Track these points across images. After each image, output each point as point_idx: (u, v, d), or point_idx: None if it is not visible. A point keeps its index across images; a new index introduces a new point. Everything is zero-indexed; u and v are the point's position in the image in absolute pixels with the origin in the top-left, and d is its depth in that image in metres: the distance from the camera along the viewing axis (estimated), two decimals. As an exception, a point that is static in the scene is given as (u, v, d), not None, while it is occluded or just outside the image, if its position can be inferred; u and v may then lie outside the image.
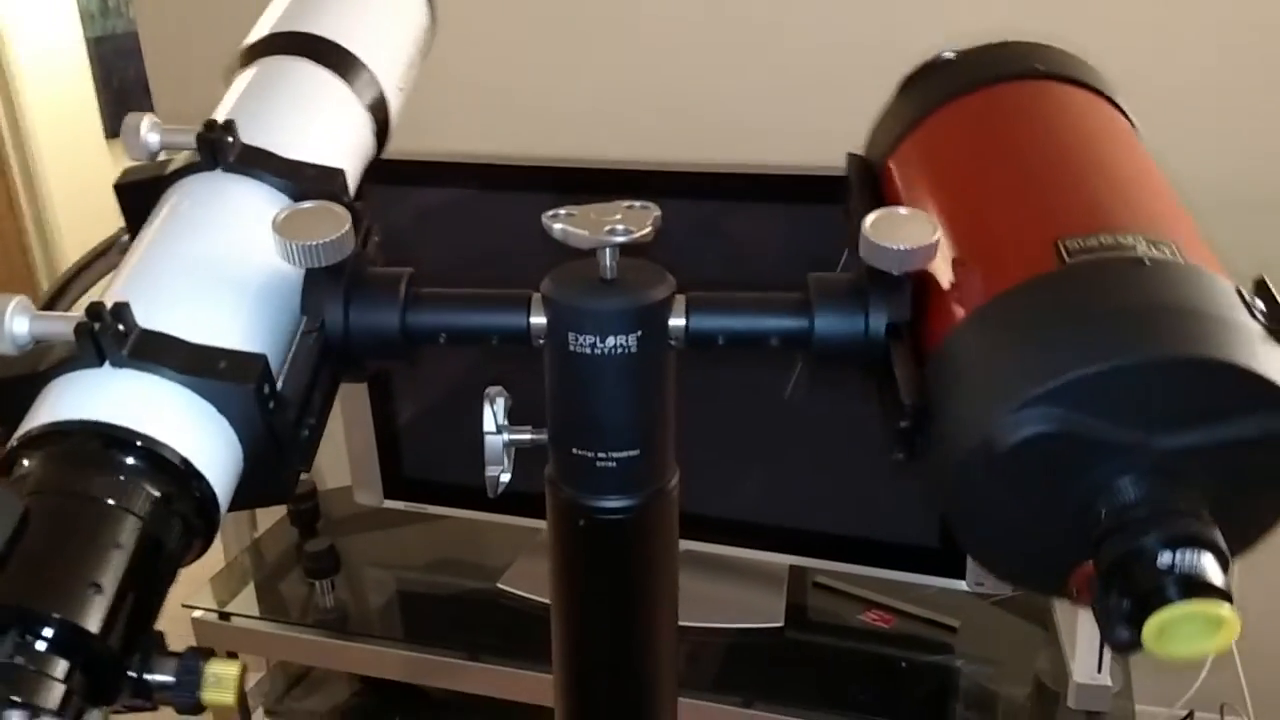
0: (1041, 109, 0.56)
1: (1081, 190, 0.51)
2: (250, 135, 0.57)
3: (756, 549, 1.56)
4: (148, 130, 0.58)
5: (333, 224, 0.50)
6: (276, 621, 1.64)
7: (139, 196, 0.57)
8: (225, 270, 0.52)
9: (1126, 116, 0.58)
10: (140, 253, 0.53)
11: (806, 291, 0.52)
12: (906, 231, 0.48)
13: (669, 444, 0.57)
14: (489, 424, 0.55)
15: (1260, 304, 0.44)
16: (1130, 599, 0.40)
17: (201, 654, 0.42)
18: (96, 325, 0.45)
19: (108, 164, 3.53)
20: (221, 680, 0.42)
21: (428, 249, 1.54)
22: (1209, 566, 0.40)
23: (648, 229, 0.51)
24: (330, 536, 1.71)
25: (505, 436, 0.56)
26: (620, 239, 0.50)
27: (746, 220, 1.46)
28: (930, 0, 1.68)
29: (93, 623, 0.39)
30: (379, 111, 0.66)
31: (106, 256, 0.59)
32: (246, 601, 1.68)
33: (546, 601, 0.60)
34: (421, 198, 1.54)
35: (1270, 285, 0.45)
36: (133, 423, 0.44)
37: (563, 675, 0.61)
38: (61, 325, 0.46)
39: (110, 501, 0.42)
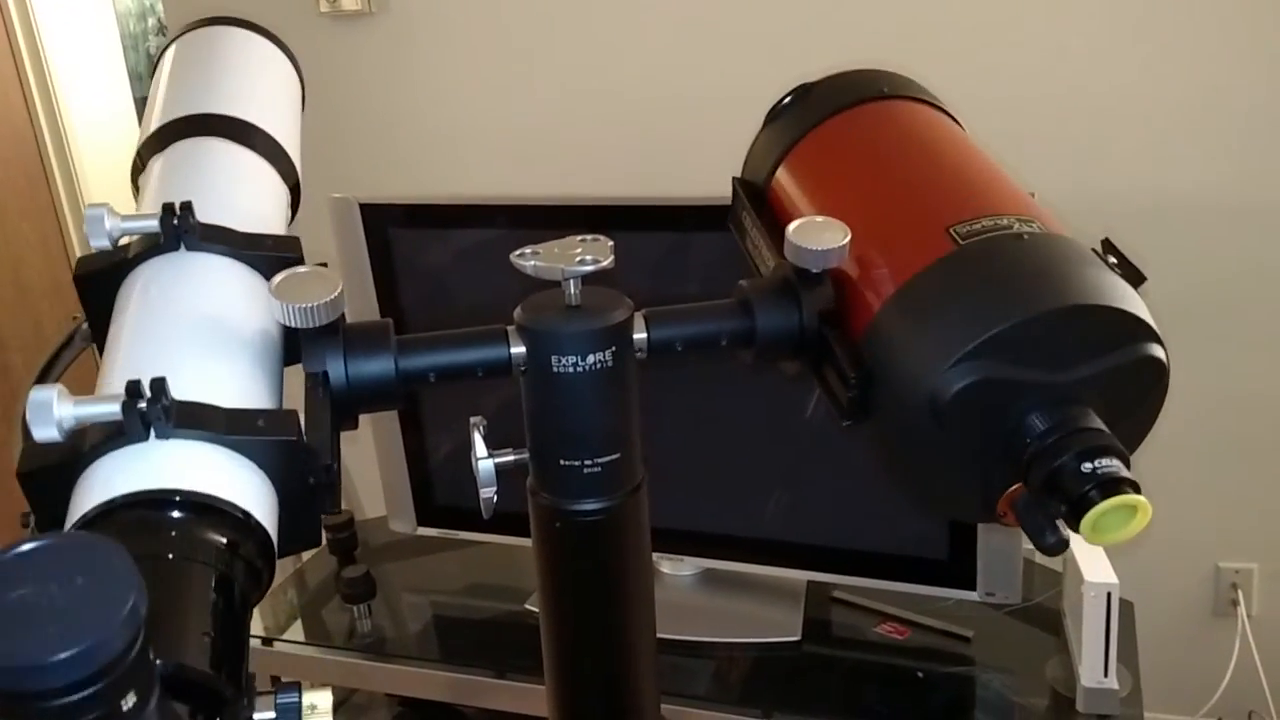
0: (899, 123, 0.67)
1: (953, 185, 0.62)
2: (201, 214, 0.60)
3: (775, 566, 1.61)
4: (109, 218, 0.60)
5: (326, 286, 0.54)
6: (318, 646, 1.71)
7: (99, 285, 0.59)
8: (224, 336, 0.55)
9: (958, 123, 0.69)
10: (134, 331, 0.55)
11: (743, 295, 0.60)
12: (823, 235, 0.57)
13: (639, 446, 0.62)
14: (479, 450, 0.60)
15: (1112, 259, 0.56)
16: (1065, 505, 0.49)
17: (293, 688, 0.44)
18: (142, 403, 0.47)
19: (157, 216, 3.67)
20: (318, 708, 0.44)
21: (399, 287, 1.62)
22: (1119, 468, 0.50)
23: (610, 258, 0.58)
24: (367, 563, 1.79)
25: (494, 461, 0.61)
26: (588, 269, 0.57)
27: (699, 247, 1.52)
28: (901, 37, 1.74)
29: (201, 665, 0.41)
30: (289, 175, 0.71)
31: (70, 347, 0.64)
32: (292, 628, 1.75)
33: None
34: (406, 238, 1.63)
35: (1114, 244, 0.57)
36: (192, 484, 0.46)
37: (551, 674, 0.66)
38: (105, 406, 0.47)
39: (191, 558, 0.44)
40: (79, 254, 3.37)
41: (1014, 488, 0.54)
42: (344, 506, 1.95)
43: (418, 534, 1.74)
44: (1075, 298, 0.52)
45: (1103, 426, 0.52)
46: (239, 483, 0.49)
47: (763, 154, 0.69)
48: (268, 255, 0.60)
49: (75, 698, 0.31)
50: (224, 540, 0.46)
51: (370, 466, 1.74)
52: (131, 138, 3.44)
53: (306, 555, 2.00)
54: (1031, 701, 1.52)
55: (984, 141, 0.65)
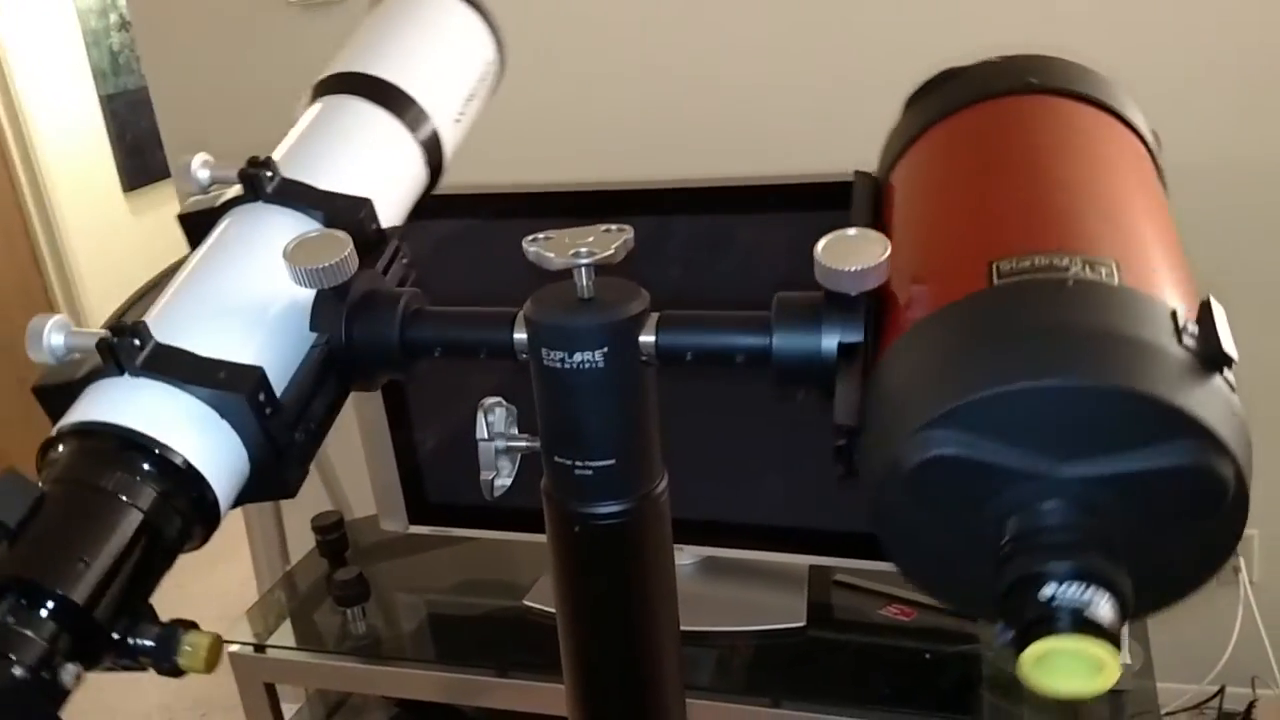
0: (1018, 125, 0.55)
1: (1030, 209, 0.50)
2: (293, 169, 0.63)
3: (776, 551, 1.59)
4: (198, 167, 0.66)
5: (335, 249, 0.55)
6: (312, 651, 1.67)
7: (200, 225, 0.63)
8: (246, 293, 0.58)
9: (1134, 128, 0.56)
10: (179, 277, 0.59)
11: (769, 312, 0.53)
12: (858, 252, 0.48)
13: (650, 453, 0.59)
14: (481, 431, 0.60)
15: (1192, 329, 0.42)
16: (1016, 626, 0.39)
17: (183, 625, 0.48)
18: (115, 340, 0.51)
19: (125, 215, 3.61)
20: (195, 648, 0.47)
21: (447, 278, 1.58)
22: (1098, 604, 0.38)
23: (612, 251, 0.54)
24: (359, 564, 1.75)
25: (499, 443, 0.60)
26: (585, 261, 0.54)
27: (755, 231, 1.48)
28: (939, 14, 1.71)
29: (78, 593, 0.45)
30: (431, 144, 0.71)
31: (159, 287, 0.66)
32: (283, 633, 1.71)
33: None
34: (438, 229, 1.59)
35: (1213, 309, 0.42)
36: (142, 426, 0.50)
37: (572, 679, 0.63)
38: (85, 340, 0.53)
39: (116, 493, 0.48)
40: (45, 251, 3.31)
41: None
42: (332, 507, 1.91)
43: (410, 532, 1.70)
44: (1088, 372, 0.40)
45: (1109, 549, 0.40)
46: (193, 431, 0.52)
47: (890, 145, 0.60)
48: (335, 213, 0.61)
49: None
50: (156, 486, 0.49)
51: (358, 465, 1.70)
52: (97, 134, 3.37)
53: (295, 558, 1.96)
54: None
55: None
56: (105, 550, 0.47)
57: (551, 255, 0.54)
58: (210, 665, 0.48)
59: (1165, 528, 0.42)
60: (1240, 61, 1.64)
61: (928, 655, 1.53)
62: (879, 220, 0.56)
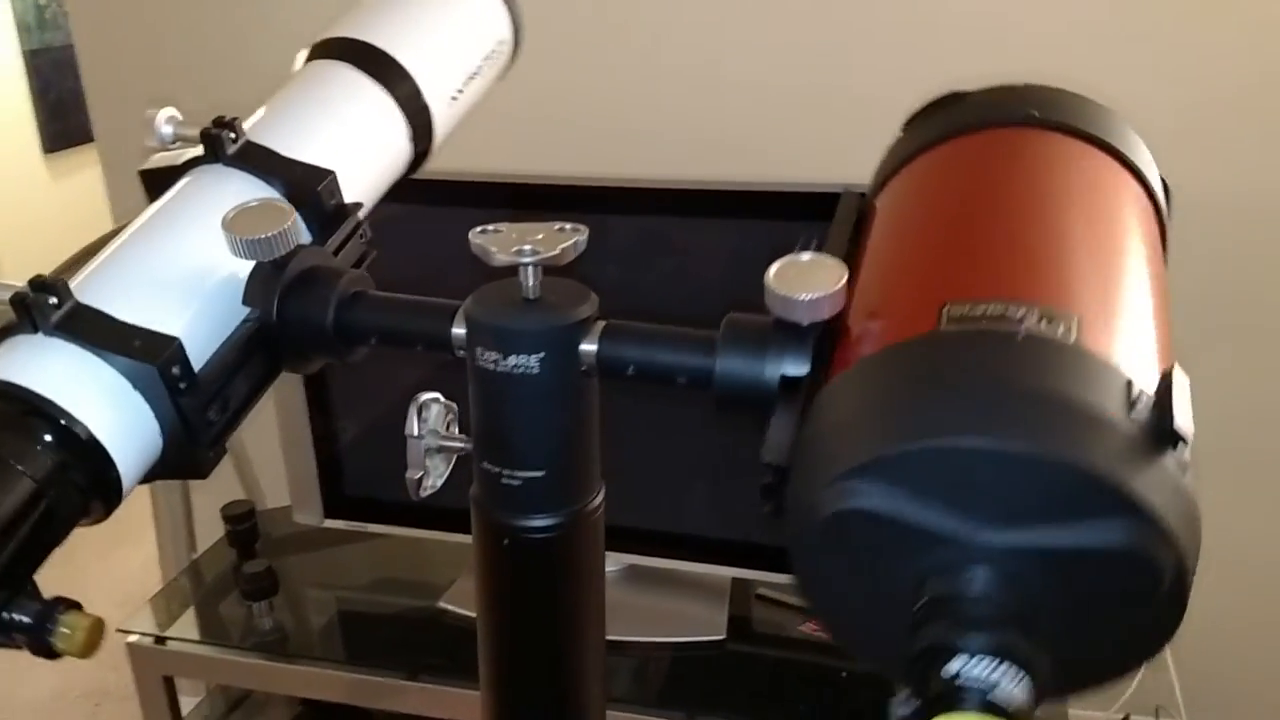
0: (1007, 160, 0.53)
1: (996, 250, 0.47)
2: (263, 133, 0.61)
3: (700, 562, 1.57)
4: (163, 123, 0.64)
5: (275, 220, 0.53)
6: (215, 645, 1.62)
7: (161, 182, 0.60)
8: (183, 260, 0.55)
9: (1139, 174, 0.54)
10: (118, 239, 0.56)
11: (716, 334, 0.50)
12: (811, 279, 0.45)
13: (585, 467, 0.57)
14: (411, 427, 0.57)
15: (1146, 400, 0.39)
16: (920, 696, 0.37)
17: (64, 604, 0.46)
18: (31, 296, 0.49)
19: (44, 176, 3.49)
20: (73, 630, 0.45)
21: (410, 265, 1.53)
22: (1007, 686, 0.36)
23: (558, 251, 0.51)
24: (269, 557, 1.69)
25: (430, 441, 0.58)
26: (528, 260, 0.51)
27: (735, 237, 1.46)
28: (955, 27, 1.70)
29: None
30: (420, 121, 0.69)
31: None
32: (184, 624, 1.65)
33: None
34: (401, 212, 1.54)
35: (1174, 381, 0.38)
36: (47, 390, 0.48)
37: (490, 690, 0.61)
38: (3, 294, 0.50)
39: (7, 459, 0.45)
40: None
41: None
42: (244, 496, 1.85)
43: (325, 526, 1.64)
44: (1020, 437, 0.37)
45: (1013, 624, 0.37)
46: (102, 401, 0.49)
47: (884, 166, 0.58)
48: (292, 182, 0.60)
49: None
50: (55, 456, 0.47)
51: (274, 452, 1.64)
52: (19, 93, 3.25)
53: (202, 547, 1.90)
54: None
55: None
56: (8, 526, 0.45)
57: (495, 250, 0.51)
58: (88, 650, 0.45)
59: (1094, 611, 0.39)
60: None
61: (844, 673, 1.53)
62: (857, 243, 0.53)
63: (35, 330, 0.49)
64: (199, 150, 0.61)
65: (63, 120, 3.43)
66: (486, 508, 0.55)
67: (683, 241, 1.48)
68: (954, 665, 0.36)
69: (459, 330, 0.53)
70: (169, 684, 1.64)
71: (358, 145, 0.66)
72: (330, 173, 0.61)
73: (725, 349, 0.49)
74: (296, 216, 0.53)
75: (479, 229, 0.53)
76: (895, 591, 0.40)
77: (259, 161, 0.60)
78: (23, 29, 3.36)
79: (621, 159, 1.73)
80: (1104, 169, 0.53)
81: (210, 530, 1.88)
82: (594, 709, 0.62)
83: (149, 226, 0.57)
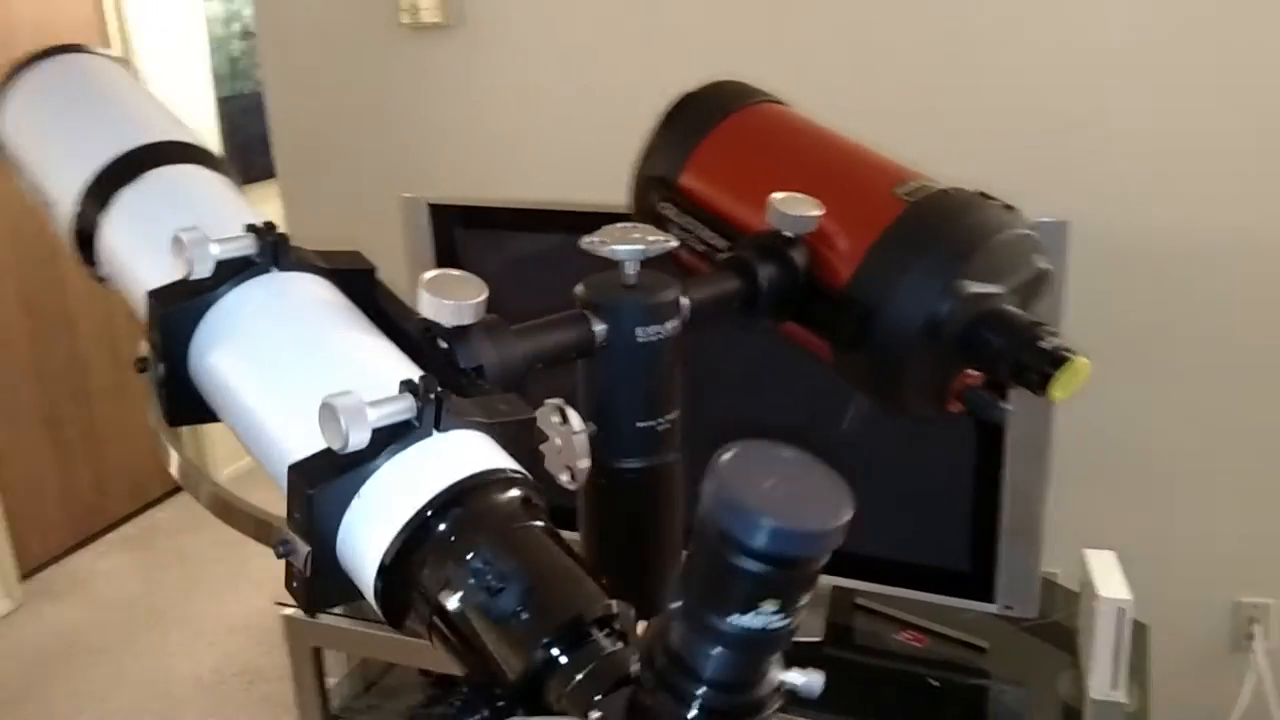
0: (791, 119, 0.79)
1: (869, 160, 0.74)
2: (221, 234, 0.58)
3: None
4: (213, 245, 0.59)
5: (477, 287, 0.56)
6: (361, 619, 1.79)
7: (182, 316, 0.57)
8: (382, 340, 0.57)
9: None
10: (317, 349, 0.55)
11: (738, 260, 0.68)
12: (802, 205, 0.68)
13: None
14: (576, 424, 0.61)
15: (996, 199, 0.70)
16: (1038, 373, 0.63)
17: None
18: (433, 398, 0.48)
19: (228, 212, 3.81)
20: None
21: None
22: (1065, 341, 0.64)
23: (675, 242, 0.64)
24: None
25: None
26: (660, 249, 0.63)
27: None
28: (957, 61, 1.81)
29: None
30: (223, 167, 0.71)
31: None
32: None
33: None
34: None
35: (989, 194, 0.70)
36: (499, 463, 0.49)
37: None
38: (395, 406, 0.47)
39: (536, 519, 0.47)
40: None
41: (959, 379, 0.68)
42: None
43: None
44: (1017, 226, 0.68)
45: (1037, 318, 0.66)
46: (499, 454, 0.50)
47: (668, 153, 0.77)
48: (344, 269, 0.60)
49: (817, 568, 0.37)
50: (528, 496, 0.49)
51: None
52: (209, 135, 3.56)
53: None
54: (1042, 714, 1.57)
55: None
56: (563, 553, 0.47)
57: (631, 248, 0.62)
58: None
59: (1033, 298, 0.70)
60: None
61: (935, 682, 1.61)
62: (686, 203, 0.75)
63: (430, 433, 0.48)
64: (198, 274, 0.56)
65: (246, 159, 3.77)
66: (627, 465, 0.64)
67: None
68: (1045, 343, 0.63)
69: (599, 327, 0.61)
70: (317, 655, 1.82)
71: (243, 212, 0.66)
72: (357, 252, 0.62)
73: (761, 264, 0.68)
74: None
75: (586, 239, 0.63)
76: (958, 349, 0.66)
77: (308, 258, 0.59)
78: (218, 78, 3.72)
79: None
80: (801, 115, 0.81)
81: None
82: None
83: (355, 327, 0.56)
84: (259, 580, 3.01)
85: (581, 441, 0.60)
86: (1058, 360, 0.63)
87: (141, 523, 3.52)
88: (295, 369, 0.54)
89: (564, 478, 0.61)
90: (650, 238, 0.64)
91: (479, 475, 0.47)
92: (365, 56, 2.22)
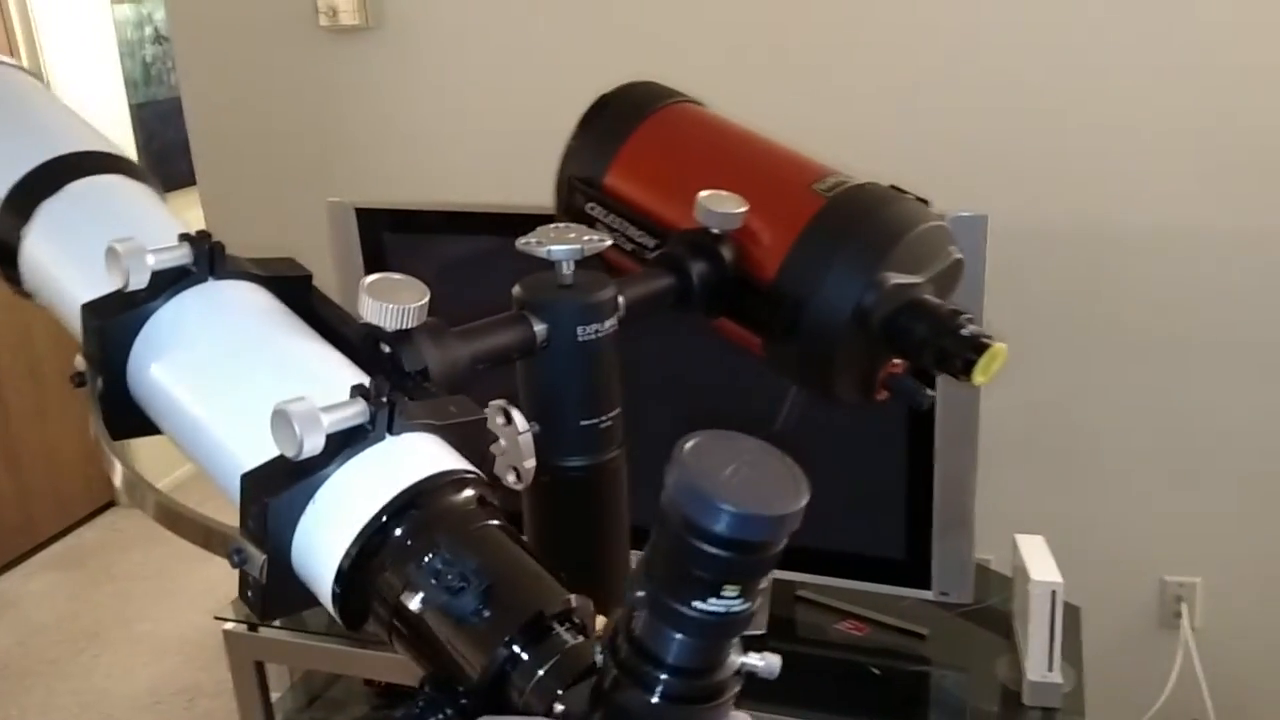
0: (707, 118, 0.81)
1: (786, 157, 0.76)
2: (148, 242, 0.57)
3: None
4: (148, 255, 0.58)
5: (420, 291, 0.56)
6: (302, 632, 1.77)
7: (120, 328, 0.57)
8: (321, 346, 0.57)
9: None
10: (257, 357, 0.55)
11: (668, 258, 0.70)
12: (727, 202, 0.70)
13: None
14: (521, 424, 0.61)
15: (909, 194, 0.73)
16: (960, 360, 0.65)
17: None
18: (381, 407, 0.48)
19: (147, 221, 3.73)
20: None
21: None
22: (983, 329, 0.66)
23: (608, 241, 0.65)
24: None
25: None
26: (594, 248, 0.64)
27: None
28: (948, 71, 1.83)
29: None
30: (132, 170, 0.69)
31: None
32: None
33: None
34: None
35: (902, 187, 0.73)
36: (450, 464, 0.49)
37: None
38: (347, 412, 0.47)
39: (497, 518, 0.48)
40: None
41: (885, 368, 0.71)
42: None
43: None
44: (931, 219, 0.71)
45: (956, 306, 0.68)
46: (445, 455, 0.50)
47: (591, 154, 0.79)
48: (279, 276, 0.60)
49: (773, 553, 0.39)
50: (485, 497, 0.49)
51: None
52: (125, 142, 3.47)
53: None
54: (982, 697, 1.60)
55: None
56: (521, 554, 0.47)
57: (566, 247, 0.63)
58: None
59: (947, 288, 0.72)
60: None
61: (876, 670, 1.63)
62: (607, 201, 0.77)
63: (383, 436, 0.48)
64: (136, 285, 0.55)
65: (165, 166, 3.69)
66: (573, 464, 0.65)
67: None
68: (966, 330, 0.65)
69: (540, 327, 0.62)
70: (260, 670, 1.80)
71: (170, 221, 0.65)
72: (291, 259, 0.61)
73: (692, 260, 0.70)
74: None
75: (523, 240, 0.64)
76: (881, 337, 0.67)
77: (243, 265, 0.59)
78: (130, 84, 3.63)
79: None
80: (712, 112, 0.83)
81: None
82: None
83: (296, 335, 0.57)
84: (192, 596, 2.95)
85: (526, 441, 0.60)
86: (978, 346, 0.65)
87: (69, 542, 3.44)
88: (241, 378, 0.54)
89: (510, 478, 0.61)
90: (585, 237, 0.65)
91: (434, 477, 0.47)
92: (284, 60, 2.19)
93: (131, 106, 3.63)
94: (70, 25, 3.40)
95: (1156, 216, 1.79)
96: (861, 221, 0.70)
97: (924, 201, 0.73)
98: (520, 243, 0.65)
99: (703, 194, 0.70)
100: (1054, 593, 1.46)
